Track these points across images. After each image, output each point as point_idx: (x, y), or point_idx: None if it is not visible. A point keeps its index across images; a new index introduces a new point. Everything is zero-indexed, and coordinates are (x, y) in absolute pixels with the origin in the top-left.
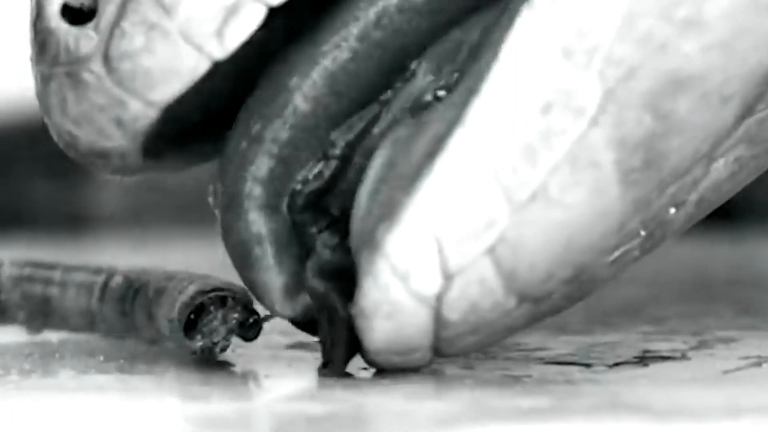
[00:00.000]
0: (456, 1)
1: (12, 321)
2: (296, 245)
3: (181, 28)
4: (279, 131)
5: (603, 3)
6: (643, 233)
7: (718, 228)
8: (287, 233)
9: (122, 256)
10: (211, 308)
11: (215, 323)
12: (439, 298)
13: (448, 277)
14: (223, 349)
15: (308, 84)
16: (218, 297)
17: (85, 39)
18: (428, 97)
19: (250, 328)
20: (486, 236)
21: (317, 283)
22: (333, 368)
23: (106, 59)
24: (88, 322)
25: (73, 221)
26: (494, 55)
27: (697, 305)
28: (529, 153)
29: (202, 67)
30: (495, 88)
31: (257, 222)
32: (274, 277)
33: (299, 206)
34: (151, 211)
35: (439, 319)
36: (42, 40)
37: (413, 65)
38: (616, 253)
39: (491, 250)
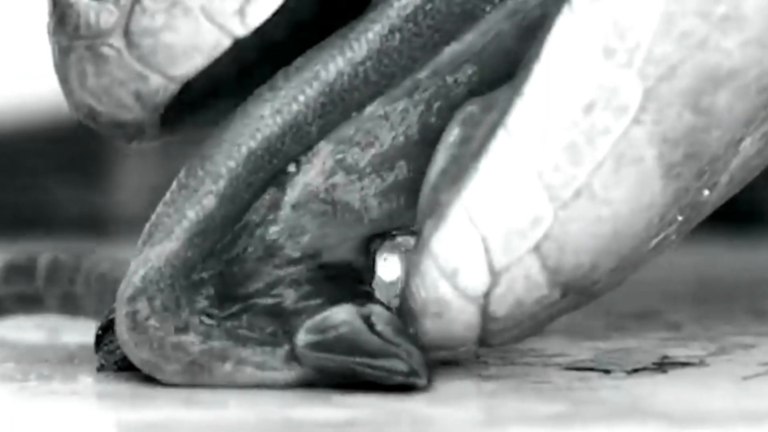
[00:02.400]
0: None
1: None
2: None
3: (203, 5)
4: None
5: (642, 2)
6: (680, 218)
7: (734, 233)
8: None
9: None
10: (112, 328)
11: (114, 345)
12: (486, 295)
13: (494, 275)
14: (124, 368)
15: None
16: None
17: (105, 13)
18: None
19: None
20: (532, 234)
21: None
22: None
23: (127, 34)
24: None
25: (92, 223)
26: (536, 55)
27: (715, 311)
28: (572, 152)
29: (224, 44)
30: (537, 89)
31: None
32: None
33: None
34: None
35: (485, 315)
36: (61, 12)
37: None
38: (656, 240)
39: (537, 248)
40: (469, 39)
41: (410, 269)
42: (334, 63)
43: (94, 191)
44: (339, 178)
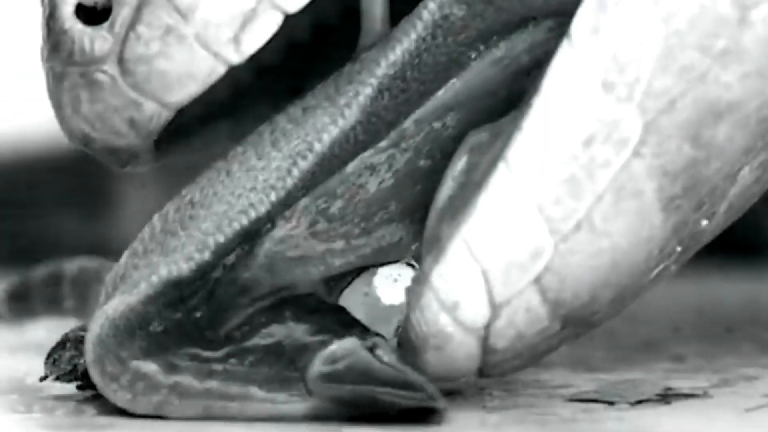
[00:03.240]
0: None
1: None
2: None
3: (197, 33)
4: None
5: (642, 37)
6: (679, 249)
7: (738, 265)
8: None
9: None
10: (67, 344)
11: (62, 360)
12: (487, 328)
13: (495, 308)
14: (66, 381)
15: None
16: (80, 336)
17: (100, 40)
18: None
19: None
20: (532, 267)
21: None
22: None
23: (121, 61)
24: None
25: (98, 254)
26: (536, 89)
27: (718, 343)
28: (572, 185)
29: (219, 71)
30: (537, 123)
31: None
32: None
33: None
34: None
35: (486, 347)
36: (55, 38)
37: None
38: (656, 271)
39: (537, 280)
40: (455, 87)
41: (411, 301)
42: (327, 133)
43: (97, 221)
44: (321, 226)
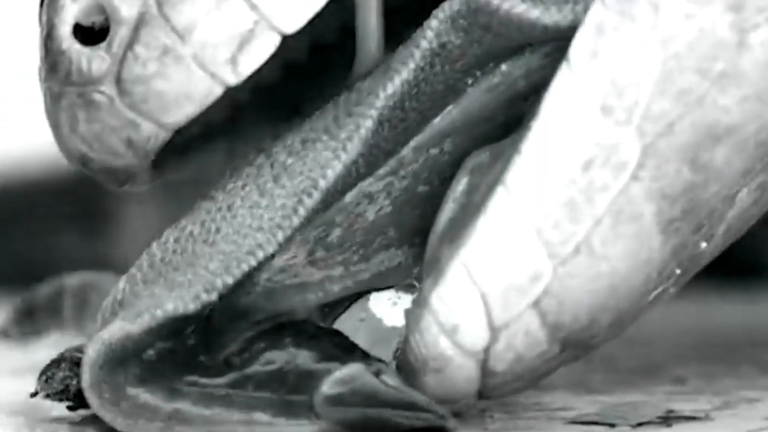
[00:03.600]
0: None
1: None
2: None
3: (195, 53)
4: None
5: (640, 61)
6: (678, 271)
7: (737, 287)
8: None
9: None
10: (62, 363)
11: (55, 379)
12: (486, 351)
13: (494, 331)
14: (60, 401)
15: None
16: (75, 357)
17: (97, 60)
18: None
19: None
20: (531, 290)
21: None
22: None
23: (119, 82)
24: None
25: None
26: (534, 113)
27: (719, 365)
28: (571, 209)
29: (216, 92)
30: (535, 147)
31: None
32: None
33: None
34: None
35: (485, 370)
36: (53, 58)
37: None
38: (655, 293)
39: (536, 303)
40: (452, 114)
41: (410, 324)
42: (331, 169)
43: (97, 239)
44: (319, 254)
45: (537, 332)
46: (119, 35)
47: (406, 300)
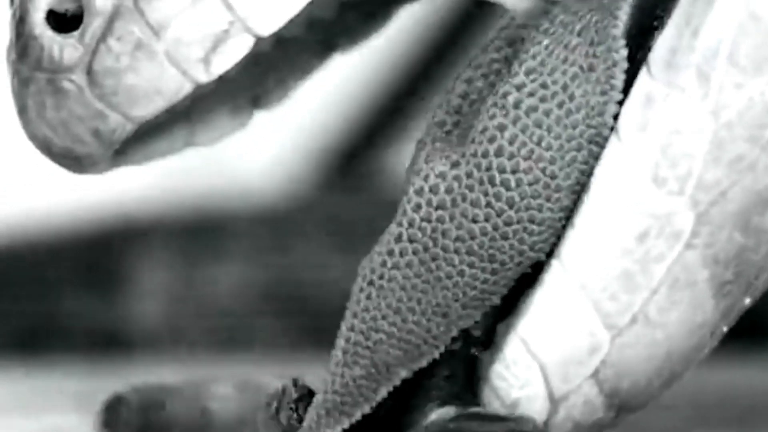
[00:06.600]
0: None
1: None
2: None
3: (168, 50)
4: None
5: (691, 131)
6: (725, 329)
7: (762, 352)
8: None
9: (159, 371)
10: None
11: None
12: (546, 423)
13: (554, 403)
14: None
15: None
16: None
17: (70, 49)
18: None
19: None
20: (589, 362)
21: None
22: None
23: (90, 73)
24: None
25: (109, 335)
26: (586, 186)
27: (743, 429)
28: (627, 280)
29: (186, 89)
30: (589, 220)
31: None
32: None
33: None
34: (189, 324)
35: None
36: (24, 43)
37: None
38: (705, 352)
39: (595, 374)
40: None
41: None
42: None
43: (111, 303)
44: None
45: (595, 400)
46: (93, 26)
47: None
